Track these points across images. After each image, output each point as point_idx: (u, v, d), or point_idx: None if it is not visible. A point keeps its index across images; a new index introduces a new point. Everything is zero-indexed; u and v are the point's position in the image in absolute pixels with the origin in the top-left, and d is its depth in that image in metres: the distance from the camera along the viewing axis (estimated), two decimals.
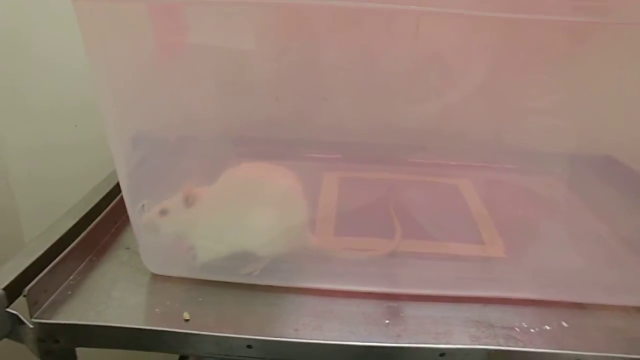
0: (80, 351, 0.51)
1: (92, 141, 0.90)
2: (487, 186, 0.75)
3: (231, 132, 0.66)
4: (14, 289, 0.47)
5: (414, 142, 0.74)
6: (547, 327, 0.50)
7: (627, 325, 0.51)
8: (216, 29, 0.62)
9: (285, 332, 0.48)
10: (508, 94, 0.69)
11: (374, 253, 0.59)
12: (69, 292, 0.52)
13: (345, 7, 0.50)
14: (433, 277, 0.57)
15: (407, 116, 0.70)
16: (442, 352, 0.46)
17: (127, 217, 0.58)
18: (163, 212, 0.54)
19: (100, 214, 0.62)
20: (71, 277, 0.54)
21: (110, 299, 0.51)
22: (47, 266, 0.51)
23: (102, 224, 0.61)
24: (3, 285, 0.47)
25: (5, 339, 0.47)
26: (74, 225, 0.57)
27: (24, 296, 0.47)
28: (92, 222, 0.60)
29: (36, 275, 0.49)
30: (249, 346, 0.47)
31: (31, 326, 0.47)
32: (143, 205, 0.55)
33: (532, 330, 0.49)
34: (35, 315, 0.48)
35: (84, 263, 0.57)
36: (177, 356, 0.77)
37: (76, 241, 0.56)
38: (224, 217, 0.55)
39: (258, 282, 0.54)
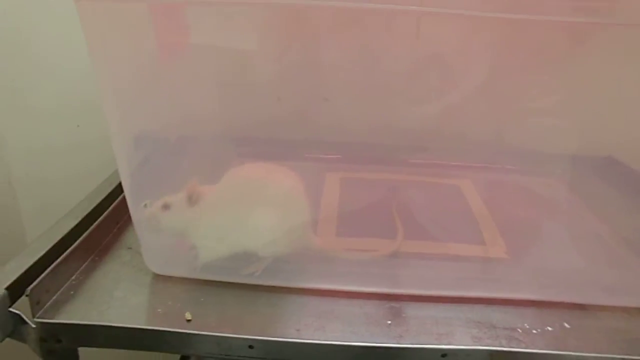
0: (82, 351, 0.51)
1: (93, 141, 0.90)
2: (488, 187, 0.75)
3: (233, 132, 0.66)
4: (17, 289, 0.47)
5: (415, 142, 0.74)
6: (549, 328, 0.50)
7: (629, 326, 0.51)
8: (218, 29, 0.62)
9: (287, 333, 0.48)
10: (509, 95, 0.69)
11: (376, 253, 0.59)
12: (71, 292, 0.52)
13: (346, 7, 0.50)
14: (435, 277, 0.57)
15: (408, 116, 0.70)
16: (444, 353, 0.46)
17: (129, 217, 0.58)
18: (165, 207, 0.54)
19: (102, 214, 0.62)
20: (73, 277, 0.54)
21: (112, 299, 0.51)
22: (49, 266, 0.51)
23: (104, 224, 0.61)
24: (5, 285, 0.47)
25: (8, 339, 0.47)
26: (76, 225, 0.57)
27: (27, 296, 0.47)
28: (95, 222, 0.60)
29: (38, 275, 0.49)
30: (250, 346, 0.47)
31: (33, 326, 0.47)
32: (145, 205, 0.55)
33: (534, 331, 0.49)
34: (37, 315, 0.48)
35: (86, 263, 0.57)
36: (178, 356, 0.77)
37: (78, 241, 0.56)
38: (226, 217, 0.55)
39: (260, 282, 0.54)
